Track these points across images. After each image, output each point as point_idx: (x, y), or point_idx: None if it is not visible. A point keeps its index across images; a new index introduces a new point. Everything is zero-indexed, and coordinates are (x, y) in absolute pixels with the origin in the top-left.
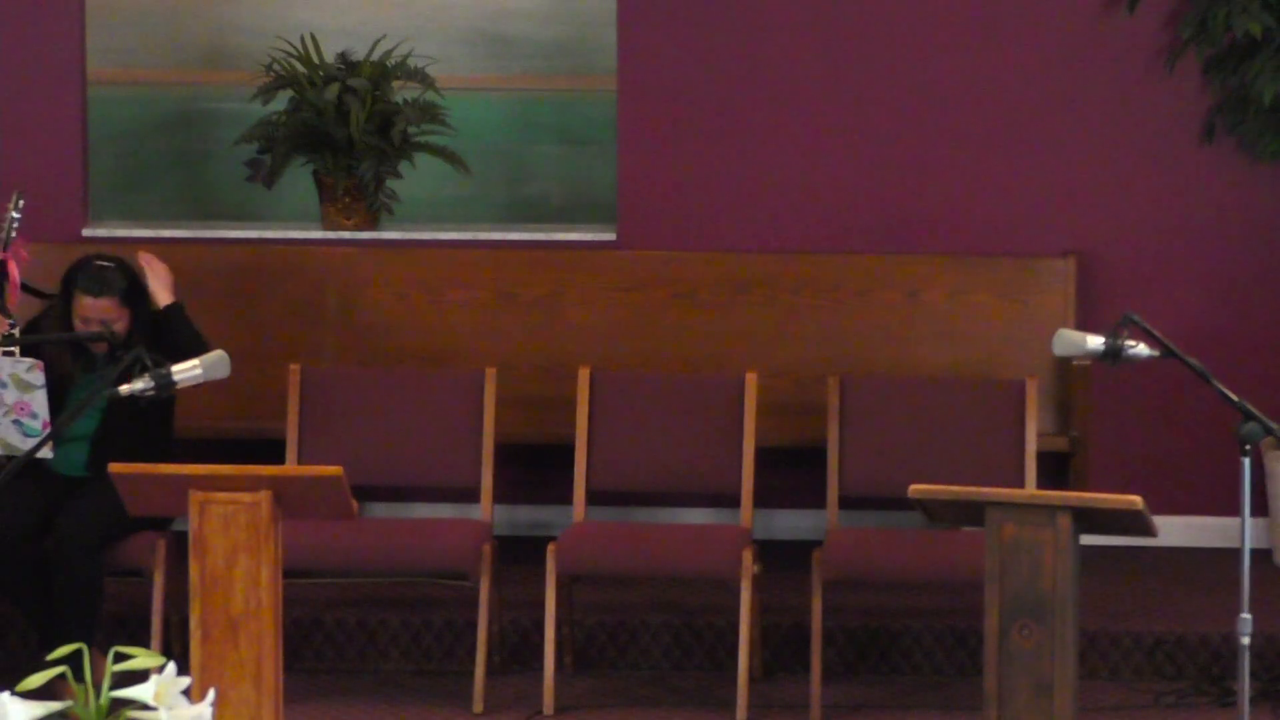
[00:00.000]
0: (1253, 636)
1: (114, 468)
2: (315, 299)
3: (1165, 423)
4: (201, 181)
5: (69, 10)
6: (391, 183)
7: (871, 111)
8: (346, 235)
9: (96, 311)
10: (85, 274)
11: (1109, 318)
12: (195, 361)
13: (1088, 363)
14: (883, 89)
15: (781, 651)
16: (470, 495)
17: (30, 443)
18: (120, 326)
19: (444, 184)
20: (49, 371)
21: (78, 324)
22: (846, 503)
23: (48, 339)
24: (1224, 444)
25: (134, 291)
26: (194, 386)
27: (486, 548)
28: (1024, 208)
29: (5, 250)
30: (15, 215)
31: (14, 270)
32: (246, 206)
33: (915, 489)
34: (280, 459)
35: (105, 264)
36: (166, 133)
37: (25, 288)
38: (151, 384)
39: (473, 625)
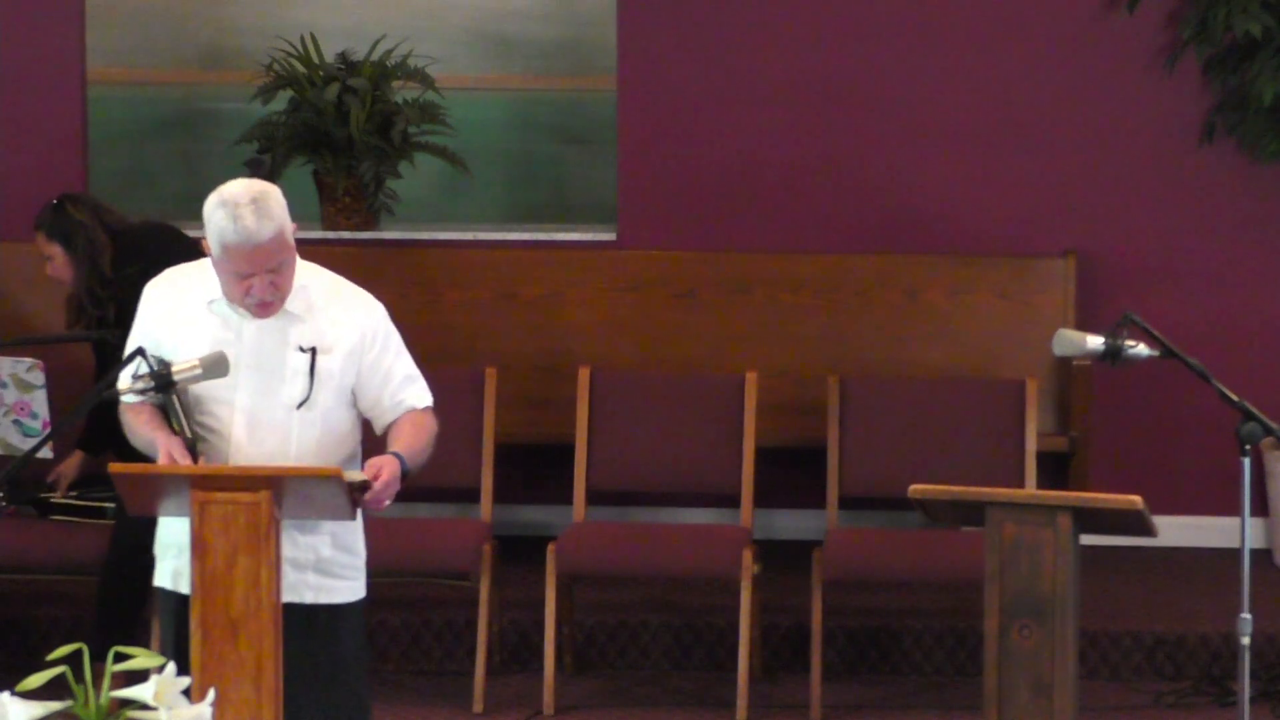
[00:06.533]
0: (1253, 636)
1: (113, 467)
2: None
3: (1165, 423)
4: (201, 181)
5: (69, 10)
6: (391, 183)
7: (871, 111)
8: (346, 235)
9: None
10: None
11: (1109, 318)
12: (195, 360)
13: (1088, 363)
14: (883, 89)
15: (781, 651)
16: (470, 495)
17: (30, 443)
18: (60, 270)
19: (444, 184)
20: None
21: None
22: (846, 503)
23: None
24: (1224, 444)
25: (65, 228)
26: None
27: (486, 548)
28: (1024, 208)
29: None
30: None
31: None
32: None
33: (915, 489)
34: None
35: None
36: (166, 133)
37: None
38: (151, 383)
39: (473, 625)
